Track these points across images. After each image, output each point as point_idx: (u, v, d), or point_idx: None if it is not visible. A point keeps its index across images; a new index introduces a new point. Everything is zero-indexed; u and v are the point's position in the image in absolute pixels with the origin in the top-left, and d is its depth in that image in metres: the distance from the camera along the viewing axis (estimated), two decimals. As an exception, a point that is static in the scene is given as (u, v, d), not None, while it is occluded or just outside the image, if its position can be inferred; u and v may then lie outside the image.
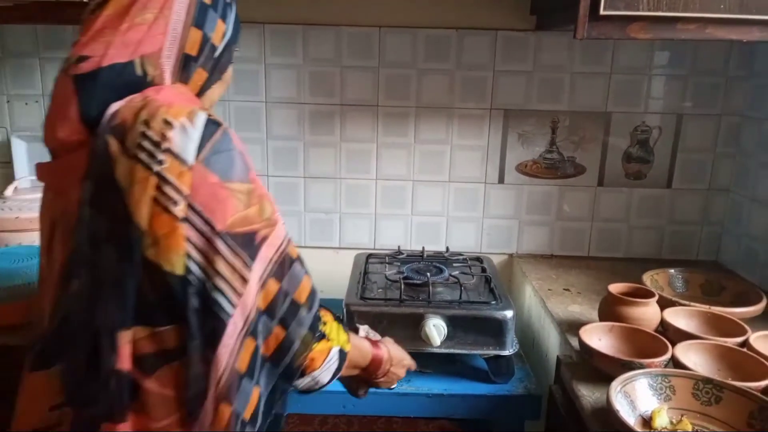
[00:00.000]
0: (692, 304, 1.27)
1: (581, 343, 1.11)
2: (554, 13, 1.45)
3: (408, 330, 1.28)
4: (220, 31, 0.86)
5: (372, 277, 1.48)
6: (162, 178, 0.71)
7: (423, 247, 1.64)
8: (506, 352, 1.30)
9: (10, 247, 1.37)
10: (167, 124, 0.73)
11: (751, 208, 1.61)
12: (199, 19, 0.82)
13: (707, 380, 0.98)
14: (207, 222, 0.73)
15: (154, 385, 0.74)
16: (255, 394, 0.80)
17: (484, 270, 1.55)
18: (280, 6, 1.63)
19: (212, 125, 0.76)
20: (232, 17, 0.88)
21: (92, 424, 0.74)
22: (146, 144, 0.72)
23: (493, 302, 1.33)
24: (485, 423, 1.44)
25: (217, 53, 0.86)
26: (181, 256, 0.72)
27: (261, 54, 1.66)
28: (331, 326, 0.92)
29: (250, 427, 0.79)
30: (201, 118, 0.75)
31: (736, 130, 1.68)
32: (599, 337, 1.15)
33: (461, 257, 1.64)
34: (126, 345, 0.72)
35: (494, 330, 1.29)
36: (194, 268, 0.73)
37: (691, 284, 1.47)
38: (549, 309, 1.40)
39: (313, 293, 0.87)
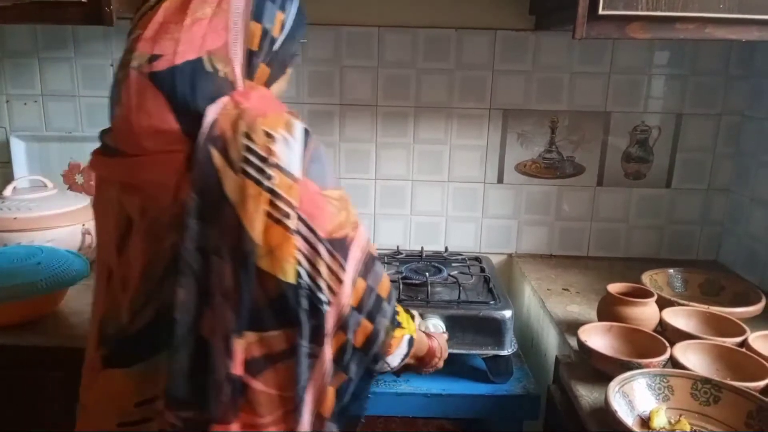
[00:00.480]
0: (691, 304, 1.27)
1: (580, 343, 1.11)
2: (553, 12, 1.45)
3: (406, 330, 1.28)
4: (279, 23, 0.84)
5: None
6: (273, 193, 0.75)
7: (422, 247, 1.64)
8: (505, 352, 1.30)
9: (9, 246, 1.37)
10: (269, 137, 0.75)
11: (751, 207, 1.61)
12: (257, 11, 0.81)
13: (706, 380, 0.98)
14: (311, 230, 0.78)
15: (260, 385, 0.78)
16: (341, 378, 0.87)
17: (483, 270, 1.55)
18: (279, 6, 1.63)
19: (307, 135, 0.79)
20: (292, 8, 0.88)
21: (200, 425, 0.77)
22: (253, 158, 0.74)
23: (492, 302, 1.33)
24: (484, 423, 1.44)
25: (276, 46, 0.85)
26: (293, 264, 0.76)
27: (260, 54, 1.66)
28: (402, 315, 0.98)
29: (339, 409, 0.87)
30: (299, 129, 0.79)
31: (736, 129, 1.68)
32: (598, 337, 1.15)
33: (460, 257, 1.64)
34: (240, 351, 0.76)
35: (493, 330, 1.28)
36: (303, 274, 0.77)
37: (690, 284, 1.47)
38: (548, 309, 1.40)
39: (391, 287, 0.93)
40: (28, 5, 1.23)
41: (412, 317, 1.04)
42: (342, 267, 0.81)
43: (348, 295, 0.82)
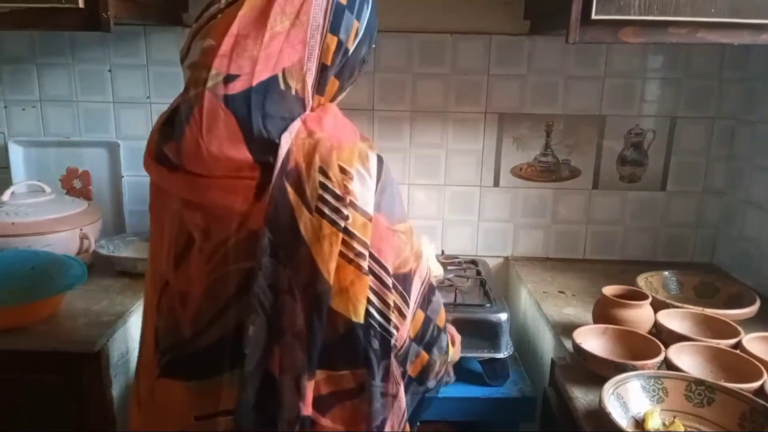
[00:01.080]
0: (686, 306, 1.28)
1: (575, 345, 1.12)
2: (547, 17, 1.46)
3: (403, 333, 1.29)
4: (354, 32, 0.80)
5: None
6: (348, 233, 0.74)
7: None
8: (501, 355, 1.30)
9: (7, 251, 1.37)
10: (344, 173, 0.73)
11: (746, 210, 1.62)
12: (335, 23, 0.77)
13: (699, 382, 0.99)
14: (382, 267, 0.77)
15: (328, 423, 0.78)
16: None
17: (479, 273, 1.56)
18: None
19: (380, 164, 0.78)
20: (368, 13, 0.83)
21: None
22: (328, 197, 0.72)
23: (488, 305, 1.34)
24: (481, 425, 1.44)
25: (348, 55, 0.81)
26: (363, 305, 0.75)
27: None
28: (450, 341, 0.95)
29: None
30: (373, 162, 0.77)
31: (730, 132, 1.69)
32: (593, 340, 1.16)
33: (457, 260, 1.64)
34: (310, 392, 0.75)
35: (489, 333, 1.29)
36: (375, 312, 0.76)
37: (685, 286, 1.48)
38: (544, 311, 1.40)
39: (446, 316, 0.93)
40: (24, 11, 1.24)
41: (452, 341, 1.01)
42: (406, 302, 0.81)
43: (408, 328, 0.82)
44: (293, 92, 0.74)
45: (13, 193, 1.56)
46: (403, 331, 0.81)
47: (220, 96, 0.72)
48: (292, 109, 0.75)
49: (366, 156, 0.76)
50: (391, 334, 0.78)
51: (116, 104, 1.71)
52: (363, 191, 0.75)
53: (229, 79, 0.72)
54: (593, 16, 1.16)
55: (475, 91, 1.69)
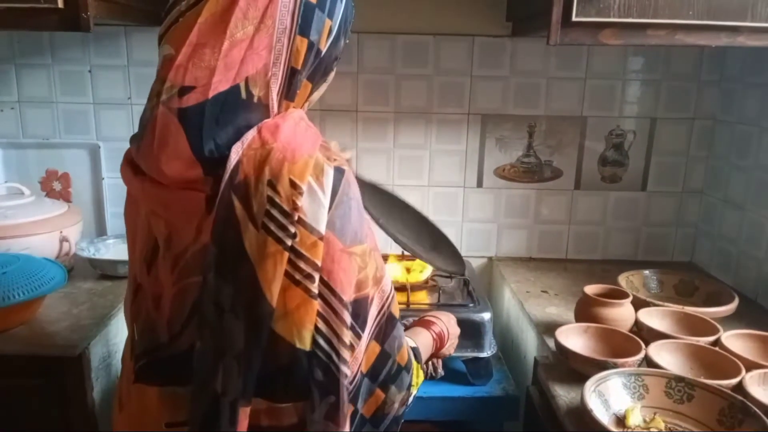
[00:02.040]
0: (666, 304, 1.30)
1: (557, 344, 1.13)
2: (529, 19, 1.47)
3: (387, 333, 1.29)
4: (326, 31, 0.76)
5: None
6: (296, 252, 0.68)
7: (402, 252, 1.65)
8: (484, 354, 1.31)
9: (-15, 255, 1.35)
10: (294, 187, 0.68)
11: (724, 209, 1.64)
12: (304, 24, 0.73)
13: (679, 379, 1.00)
14: (332, 292, 0.71)
15: None
16: None
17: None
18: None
19: (338, 178, 0.71)
20: (341, 7, 0.79)
21: None
22: (276, 213, 0.67)
23: (471, 305, 1.35)
24: (465, 424, 1.45)
25: (321, 56, 0.76)
26: (310, 331, 0.70)
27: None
28: (414, 372, 0.88)
29: None
30: (329, 176, 0.70)
31: (709, 133, 1.71)
32: (575, 338, 1.17)
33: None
34: (245, 419, 0.70)
35: (472, 332, 1.30)
36: (322, 341, 0.71)
37: (665, 285, 1.50)
38: (527, 311, 1.42)
39: (410, 354, 0.86)
40: (3, 11, 1.22)
41: (419, 356, 0.95)
42: (361, 332, 0.75)
43: (360, 360, 0.76)
44: (255, 100, 0.71)
45: (-9, 195, 1.54)
46: (354, 365, 0.75)
47: (174, 110, 0.68)
48: (252, 118, 0.71)
49: (321, 169, 0.70)
50: (338, 367, 0.71)
51: (96, 105, 1.69)
52: (314, 208, 0.69)
53: (183, 91, 0.69)
54: (574, 18, 1.17)
55: (458, 93, 1.70)
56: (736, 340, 1.14)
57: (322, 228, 0.69)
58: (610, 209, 1.78)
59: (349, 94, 1.70)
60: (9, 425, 1.19)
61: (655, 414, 0.98)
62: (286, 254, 0.68)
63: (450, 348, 1.09)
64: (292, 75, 0.73)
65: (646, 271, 1.51)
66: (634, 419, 0.95)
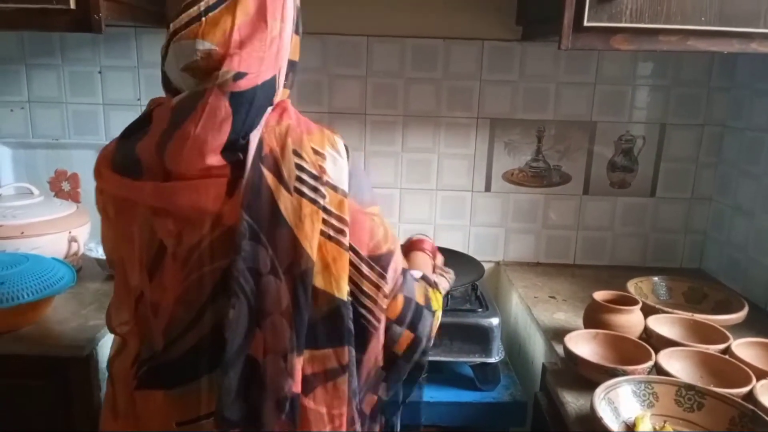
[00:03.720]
0: (675, 311, 1.29)
1: (566, 350, 1.12)
2: (539, 24, 1.47)
3: (394, 337, 1.28)
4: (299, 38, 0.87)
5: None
6: (327, 211, 0.76)
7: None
8: (492, 360, 1.31)
9: (-6, 254, 1.36)
10: (318, 154, 0.77)
11: (733, 216, 1.63)
12: (297, 24, 0.84)
13: (689, 387, 0.99)
14: (354, 249, 0.80)
15: (311, 403, 0.80)
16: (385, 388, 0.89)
17: (470, 277, 1.56)
18: (269, 14, 1.64)
19: (347, 149, 0.81)
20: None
21: None
22: (306, 177, 0.75)
23: (479, 310, 1.34)
24: (472, 430, 1.44)
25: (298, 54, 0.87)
26: (346, 281, 0.78)
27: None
28: (433, 298, 0.96)
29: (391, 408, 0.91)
30: (342, 145, 0.80)
31: (718, 139, 1.71)
32: (584, 344, 1.16)
33: (448, 265, 1.64)
34: (299, 369, 0.76)
35: (480, 337, 1.30)
36: (355, 291, 0.80)
37: (674, 292, 1.49)
38: (535, 316, 1.41)
39: (425, 289, 0.94)
40: (15, 12, 1.22)
41: (433, 280, 1.03)
42: (384, 281, 0.82)
43: (386, 309, 0.83)
44: (276, 90, 0.79)
45: (0, 195, 1.54)
46: (381, 314, 0.82)
47: (227, 93, 0.74)
48: (268, 106, 0.79)
49: (334, 140, 0.80)
50: (364, 314, 0.80)
51: (106, 106, 1.70)
52: (336, 170, 0.78)
53: (238, 76, 0.74)
54: (585, 23, 1.17)
55: (467, 97, 1.69)
56: (746, 349, 1.13)
57: (345, 187, 0.78)
58: (618, 215, 1.77)
59: (358, 98, 1.70)
60: (15, 425, 1.20)
61: (665, 422, 0.97)
62: (321, 213, 0.75)
63: (440, 257, 1.19)
64: (291, 67, 0.83)
65: (656, 278, 1.51)
66: (644, 427, 0.94)
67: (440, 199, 1.77)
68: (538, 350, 1.40)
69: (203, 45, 0.75)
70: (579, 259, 1.80)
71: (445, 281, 1.15)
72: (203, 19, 0.76)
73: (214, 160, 0.74)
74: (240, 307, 0.74)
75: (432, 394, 1.31)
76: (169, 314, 0.77)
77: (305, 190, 0.75)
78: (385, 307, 0.83)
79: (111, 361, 0.87)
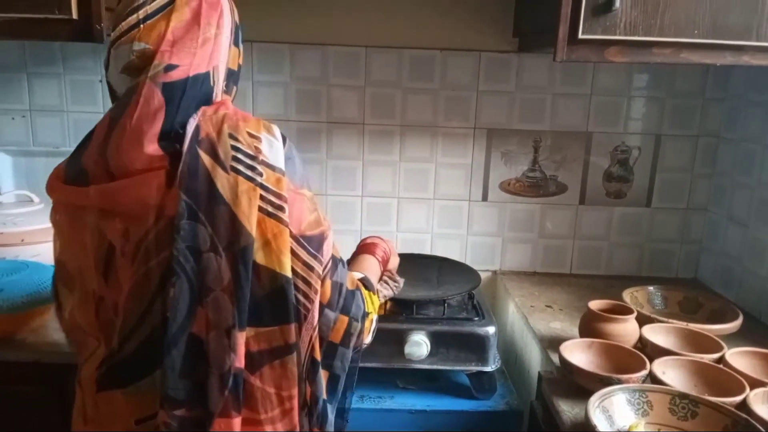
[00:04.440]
0: (670, 320, 1.30)
1: (562, 359, 1.13)
2: (535, 35, 1.49)
3: (391, 346, 1.29)
4: (241, 49, 0.94)
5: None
6: (264, 188, 0.79)
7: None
8: (488, 368, 1.31)
9: (-6, 261, 1.37)
10: (253, 137, 0.80)
11: (728, 226, 1.65)
12: (235, 38, 0.90)
13: (683, 395, 1.00)
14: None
15: (258, 382, 0.80)
16: (324, 377, 0.89)
17: (467, 286, 1.56)
18: (268, 25, 1.66)
19: (284, 137, 0.84)
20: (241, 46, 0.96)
21: (194, 423, 0.77)
22: (241, 157, 0.78)
23: (476, 318, 1.35)
24: (468, 439, 1.45)
25: (239, 67, 0.93)
26: (288, 257, 0.80)
27: (249, 71, 1.68)
28: (368, 299, 0.99)
29: (329, 407, 0.90)
30: (278, 131, 0.83)
31: (713, 150, 1.72)
32: (579, 353, 1.17)
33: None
34: (242, 344, 0.77)
35: (477, 346, 1.30)
36: (296, 268, 0.81)
37: (669, 301, 1.50)
38: (531, 325, 1.42)
39: (356, 279, 0.98)
40: (18, 21, 1.24)
41: (371, 287, 1.05)
42: (320, 264, 0.84)
43: (319, 293, 0.85)
44: (213, 86, 0.84)
45: (1, 203, 1.55)
46: (313, 295, 0.83)
47: (159, 83, 0.78)
48: (207, 102, 0.83)
49: (270, 126, 0.83)
50: (297, 294, 0.81)
51: (107, 115, 1.71)
52: (273, 152, 0.81)
53: (169, 68, 0.79)
54: (580, 36, 1.18)
55: (464, 107, 1.71)
56: (740, 358, 1.14)
57: (282, 166, 0.81)
58: (614, 225, 1.78)
59: (356, 108, 1.71)
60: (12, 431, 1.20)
61: (659, 430, 0.98)
62: (258, 190, 0.78)
63: (395, 261, 1.23)
64: (230, 74, 0.89)
65: (651, 287, 1.52)
66: (639, 435, 0.95)
67: (437, 208, 1.78)
68: (534, 359, 1.40)
69: (138, 45, 0.81)
70: (575, 269, 1.81)
71: (388, 289, 1.19)
72: (141, 25, 0.82)
73: (152, 148, 0.77)
74: (180, 285, 0.76)
75: (428, 403, 1.32)
76: (123, 309, 0.79)
77: (241, 168, 0.78)
78: (318, 288, 0.84)
79: (80, 367, 0.88)
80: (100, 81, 1.69)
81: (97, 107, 1.70)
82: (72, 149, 1.79)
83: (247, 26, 1.67)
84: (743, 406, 0.99)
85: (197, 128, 0.79)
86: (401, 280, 1.24)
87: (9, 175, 1.70)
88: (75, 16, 1.23)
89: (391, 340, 1.29)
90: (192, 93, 0.81)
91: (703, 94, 1.69)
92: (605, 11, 1.17)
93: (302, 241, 0.83)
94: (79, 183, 0.81)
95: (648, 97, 1.71)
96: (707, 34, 1.19)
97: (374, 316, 1.00)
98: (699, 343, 1.22)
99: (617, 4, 1.16)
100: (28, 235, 1.43)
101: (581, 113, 1.71)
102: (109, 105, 0.89)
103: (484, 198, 1.77)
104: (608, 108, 1.71)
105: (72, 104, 1.71)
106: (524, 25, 1.59)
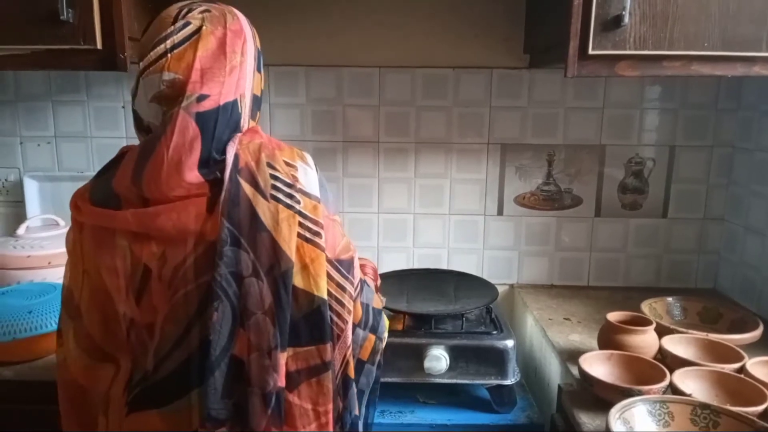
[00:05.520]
0: (690, 331, 1.29)
1: (581, 371, 1.13)
2: (546, 52, 1.51)
3: (410, 360, 1.31)
4: (263, 74, 0.98)
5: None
6: (302, 215, 0.83)
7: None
8: (508, 382, 1.32)
9: (23, 284, 1.41)
10: (290, 166, 0.85)
11: (746, 236, 1.64)
12: (258, 64, 0.94)
13: (705, 406, 1.00)
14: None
15: (296, 399, 0.84)
16: (355, 393, 0.93)
17: (485, 300, 1.57)
18: (284, 48, 1.70)
19: (316, 166, 0.89)
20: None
21: None
22: (280, 185, 0.82)
23: (495, 332, 1.36)
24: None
25: (261, 92, 0.97)
26: (325, 280, 0.84)
27: (266, 94, 1.72)
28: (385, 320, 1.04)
29: (360, 422, 0.95)
30: (311, 160, 0.88)
31: (728, 160, 1.72)
32: (599, 365, 1.17)
33: (462, 288, 1.66)
34: (283, 365, 0.81)
35: (496, 359, 1.31)
36: (331, 290, 0.86)
37: (689, 312, 1.49)
38: (550, 338, 1.42)
39: (379, 299, 1.04)
40: (44, 53, 1.28)
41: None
42: (352, 286, 0.89)
43: (352, 313, 0.90)
44: (241, 112, 0.87)
45: (27, 227, 1.60)
46: (347, 315, 0.88)
47: (193, 113, 0.81)
48: (235, 130, 0.87)
49: (303, 155, 0.88)
50: (337, 314, 0.86)
51: (129, 140, 1.75)
52: (309, 180, 0.86)
53: (201, 98, 0.82)
54: (590, 51, 1.20)
55: (478, 123, 1.73)
56: (761, 367, 1.14)
57: (317, 193, 0.86)
58: (631, 236, 1.78)
59: (371, 126, 1.74)
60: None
61: (681, 441, 0.97)
62: (297, 217, 0.82)
63: (378, 281, 1.24)
64: (254, 100, 0.92)
65: (670, 298, 1.51)
66: (660, 447, 0.95)
67: (453, 223, 1.80)
68: (553, 372, 1.41)
69: (168, 75, 0.84)
70: (593, 281, 1.81)
71: None
72: (169, 55, 0.84)
73: (192, 176, 0.80)
74: (223, 309, 0.78)
75: (449, 417, 1.32)
76: (161, 332, 0.81)
77: (281, 196, 0.82)
78: (351, 309, 0.88)
79: (98, 393, 0.88)
80: (123, 107, 1.74)
81: (120, 132, 1.75)
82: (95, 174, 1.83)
83: (264, 50, 1.72)
84: (765, 415, 0.99)
85: (236, 157, 0.82)
86: (383, 300, 1.26)
87: (35, 199, 1.75)
88: (99, 46, 1.27)
89: (410, 354, 1.30)
90: (223, 120, 0.84)
91: (716, 105, 1.70)
92: (615, 27, 1.19)
93: (337, 264, 0.87)
94: (111, 206, 0.83)
95: (661, 109, 1.71)
96: (717, 46, 1.20)
97: (386, 335, 1.04)
98: (719, 353, 1.21)
99: (626, 19, 1.17)
100: (54, 258, 1.47)
101: (594, 126, 1.72)
102: (132, 131, 0.93)
103: (500, 212, 1.78)
104: (621, 120, 1.72)
105: (96, 130, 1.76)
106: (534, 41, 1.62)
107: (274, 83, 1.72)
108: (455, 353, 1.30)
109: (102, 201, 0.85)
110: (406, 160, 1.76)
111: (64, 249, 1.46)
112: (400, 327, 1.38)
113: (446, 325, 1.40)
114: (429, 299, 1.51)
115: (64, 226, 1.61)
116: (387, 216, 1.80)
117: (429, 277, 1.67)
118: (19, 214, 1.75)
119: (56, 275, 1.44)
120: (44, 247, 1.49)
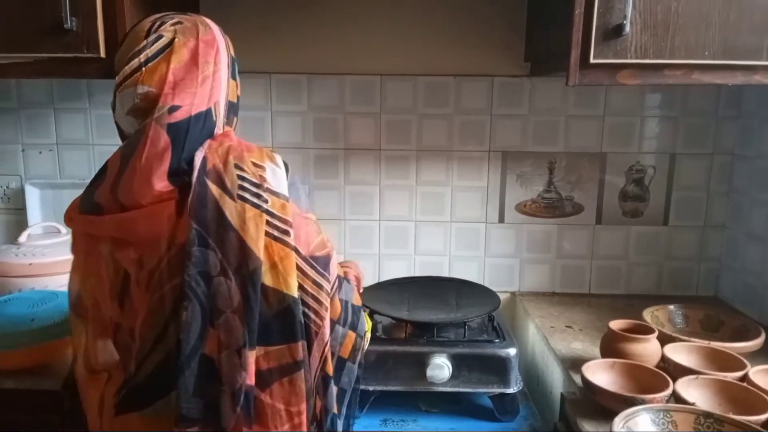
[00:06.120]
0: (692, 339, 1.30)
1: (584, 379, 1.13)
2: (547, 60, 1.52)
3: (413, 369, 1.30)
4: (238, 80, 0.99)
5: (377, 317, 1.51)
6: (270, 214, 0.84)
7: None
8: (511, 390, 1.31)
9: (24, 291, 1.40)
10: (258, 167, 0.86)
11: (747, 243, 1.64)
12: (232, 72, 0.95)
13: (708, 414, 1.00)
14: (296, 250, 0.86)
15: (268, 399, 0.84)
16: (334, 392, 0.93)
17: (486, 308, 1.57)
18: (286, 56, 1.71)
19: (287, 166, 0.90)
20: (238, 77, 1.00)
21: None
22: (247, 185, 0.83)
23: (497, 340, 1.36)
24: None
25: (238, 98, 0.98)
26: (295, 278, 0.84)
27: (267, 102, 1.73)
28: (366, 318, 1.05)
29: (339, 422, 0.95)
30: (281, 160, 0.89)
31: (729, 168, 1.73)
32: (602, 374, 1.17)
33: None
34: (252, 363, 0.81)
35: (498, 368, 1.31)
36: (301, 290, 0.86)
37: (690, 320, 1.49)
38: (552, 346, 1.42)
39: (359, 297, 1.04)
40: (47, 61, 1.29)
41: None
42: (328, 282, 0.90)
43: (329, 310, 0.90)
44: (215, 120, 0.89)
45: (29, 234, 1.60)
46: (324, 312, 0.89)
47: (164, 125, 0.83)
48: (208, 137, 0.88)
49: (273, 156, 0.89)
50: (306, 311, 0.86)
51: (131, 147, 1.76)
52: (277, 179, 0.86)
53: (173, 109, 0.84)
54: (592, 60, 1.20)
55: (479, 131, 1.74)
56: (764, 376, 1.14)
57: (286, 192, 0.87)
58: (632, 244, 1.78)
59: (373, 134, 1.75)
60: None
61: (684, 450, 0.97)
62: (264, 216, 0.83)
63: (362, 285, 1.25)
64: (230, 107, 0.93)
65: (671, 306, 1.51)
66: (664, 456, 0.95)
67: (454, 231, 1.80)
68: (556, 380, 1.40)
69: (142, 89, 0.85)
70: (594, 289, 1.81)
71: None
72: (143, 69, 0.86)
73: (162, 185, 0.82)
74: (192, 309, 0.79)
75: (451, 426, 1.32)
76: (139, 333, 0.83)
77: (248, 196, 0.83)
78: (328, 306, 0.89)
79: (97, 393, 0.90)
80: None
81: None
82: (98, 181, 1.83)
83: (266, 59, 1.73)
84: (769, 424, 0.99)
85: (204, 160, 0.84)
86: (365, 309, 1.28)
87: (37, 207, 1.75)
88: (103, 54, 1.27)
89: (412, 363, 1.30)
90: (195, 130, 0.85)
91: (716, 113, 1.70)
92: (616, 36, 1.19)
93: (311, 261, 0.88)
94: (96, 211, 0.86)
95: (661, 117, 1.72)
96: (717, 55, 1.21)
97: (368, 336, 1.05)
98: (722, 361, 1.21)
99: (627, 28, 1.18)
100: (56, 266, 1.46)
101: (595, 134, 1.73)
102: (126, 141, 0.94)
103: (501, 220, 1.79)
104: (622, 128, 1.72)
105: (97, 138, 1.76)
106: (535, 50, 1.62)
107: (276, 91, 1.73)
108: (458, 361, 1.30)
109: (88, 210, 0.87)
110: (408, 168, 1.77)
111: (65, 256, 1.48)
112: (402, 335, 1.38)
113: (448, 334, 1.40)
114: (431, 307, 1.51)
115: (65, 234, 1.61)
116: (388, 223, 1.80)
117: (430, 285, 1.67)
118: (20, 222, 1.75)
119: (58, 282, 1.44)
120: (46, 254, 1.49)
